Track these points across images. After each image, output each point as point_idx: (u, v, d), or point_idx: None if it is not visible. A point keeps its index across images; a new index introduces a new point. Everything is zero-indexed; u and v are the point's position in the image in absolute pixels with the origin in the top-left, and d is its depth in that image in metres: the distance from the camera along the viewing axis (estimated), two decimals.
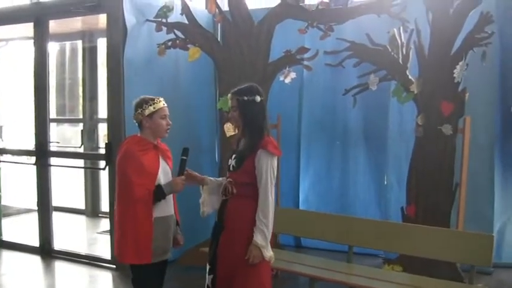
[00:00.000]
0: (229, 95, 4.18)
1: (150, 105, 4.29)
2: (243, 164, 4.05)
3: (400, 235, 5.73)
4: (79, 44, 10.50)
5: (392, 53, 6.28)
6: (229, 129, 6.69)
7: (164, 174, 4.34)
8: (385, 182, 7.50)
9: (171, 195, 4.42)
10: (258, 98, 4.06)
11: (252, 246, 3.94)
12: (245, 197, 4.05)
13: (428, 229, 5.66)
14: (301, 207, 8.00)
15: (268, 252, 3.99)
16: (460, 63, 5.99)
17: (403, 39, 6.28)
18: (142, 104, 4.31)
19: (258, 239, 3.92)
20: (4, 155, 8.69)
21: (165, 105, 4.38)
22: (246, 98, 4.05)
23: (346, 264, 5.88)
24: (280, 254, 6.14)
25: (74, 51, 10.98)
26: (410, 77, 6.23)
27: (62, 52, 11.18)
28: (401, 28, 6.27)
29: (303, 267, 5.81)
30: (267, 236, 3.96)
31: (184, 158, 4.31)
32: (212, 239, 4.24)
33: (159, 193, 4.20)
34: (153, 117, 4.30)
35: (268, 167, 3.97)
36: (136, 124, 4.40)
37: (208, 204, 4.36)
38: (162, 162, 4.36)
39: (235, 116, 4.13)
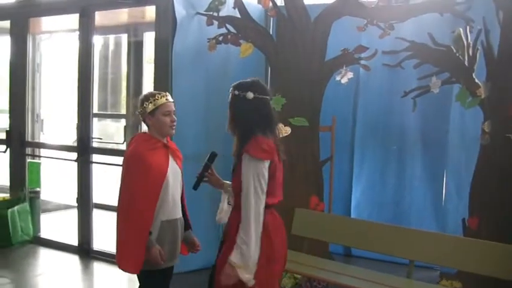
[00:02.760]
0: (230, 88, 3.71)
1: (151, 102, 4.05)
2: (235, 171, 3.57)
3: (461, 250, 5.28)
4: (123, 38, 10.28)
5: (457, 54, 5.89)
6: (281, 130, 6.33)
7: (173, 174, 4.12)
8: (444, 191, 7.09)
9: (179, 196, 4.21)
10: (251, 95, 3.52)
11: (227, 264, 3.43)
12: (239, 209, 3.52)
13: (492, 245, 5.20)
14: (352, 214, 7.65)
15: (248, 274, 3.41)
16: None
17: (469, 40, 5.89)
18: (143, 101, 4.08)
19: (233, 257, 3.40)
20: (45, 150, 8.57)
21: (170, 100, 4.12)
22: (236, 92, 3.57)
23: (404, 279, 5.44)
24: (329, 265, 5.86)
25: (117, 45, 10.84)
26: (476, 80, 5.83)
27: (105, 46, 11.06)
28: (467, 28, 5.88)
29: (354, 280, 5.40)
30: (247, 254, 3.39)
31: (209, 163, 3.96)
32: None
33: None
34: (155, 115, 4.05)
35: (250, 174, 3.41)
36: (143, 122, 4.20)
37: (226, 211, 3.89)
38: (171, 162, 4.13)
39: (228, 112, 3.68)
